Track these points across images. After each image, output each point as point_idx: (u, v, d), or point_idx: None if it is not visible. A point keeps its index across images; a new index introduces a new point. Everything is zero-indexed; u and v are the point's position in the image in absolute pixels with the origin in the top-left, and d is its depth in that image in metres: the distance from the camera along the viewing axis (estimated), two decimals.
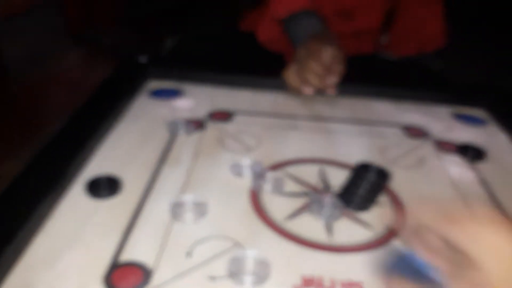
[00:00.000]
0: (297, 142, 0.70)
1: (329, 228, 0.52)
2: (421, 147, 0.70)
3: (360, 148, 0.69)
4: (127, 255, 0.47)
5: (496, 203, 0.58)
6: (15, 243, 0.44)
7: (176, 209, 0.53)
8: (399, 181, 0.61)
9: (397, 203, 0.57)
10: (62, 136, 0.63)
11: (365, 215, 0.55)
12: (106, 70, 0.83)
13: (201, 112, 0.77)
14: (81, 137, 0.62)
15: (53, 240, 0.48)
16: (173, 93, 0.82)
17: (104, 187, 0.56)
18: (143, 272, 0.45)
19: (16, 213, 0.47)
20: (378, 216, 0.55)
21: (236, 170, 0.61)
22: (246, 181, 0.60)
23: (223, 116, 0.76)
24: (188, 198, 0.54)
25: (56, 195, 0.53)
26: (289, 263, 0.47)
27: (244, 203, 0.56)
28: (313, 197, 0.56)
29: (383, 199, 0.58)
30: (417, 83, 0.90)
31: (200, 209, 0.54)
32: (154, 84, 0.85)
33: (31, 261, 0.45)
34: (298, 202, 0.56)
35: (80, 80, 1.14)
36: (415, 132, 0.75)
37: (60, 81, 1.16)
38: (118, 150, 0.64)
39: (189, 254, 0.47)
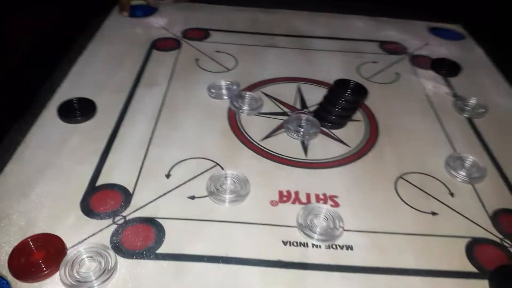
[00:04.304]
0: (275, 61, 0.65)
1: (305, 146, 0.50)
2: (397, 63, 0.67)
3: (337, 65, 0.65)
4: (105, 179, 0.44)
5: (467, 117, 0.57)
6: None
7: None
8: (375, 97, 0.58)
9: (372, 119, 0.55)
10: (30, 59, 0.57)
11: (341, 132, 0.53)
12: None
13: (176, 30, 0.71)
14: (50, 60, 0.57)
15: (26, 169, 0.44)
16: (146, 10, 0.75)
17: (78, 109, 0.51)
18: (122, 195, 0.42)
19: None
20: (353, 132, 0.53)
21: (214, 90, 0.57)
22: (224, 102, 0.56)
23: (199, 34, 0.70)
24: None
25: (28, 121, 0.49)
26: (266, 179, 0.45)
27: (222, 124, 0.53)
28: (290, 116, 0.54)
29: (358, 115, 0.55)
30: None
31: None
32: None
33: (4, 190, 0.42)
34: (276, 122, 0.54)
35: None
36: (392, 48, 0.71)
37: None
38: (91, 73, 0.59)
39: (168, 175, 0.45)
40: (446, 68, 0.65)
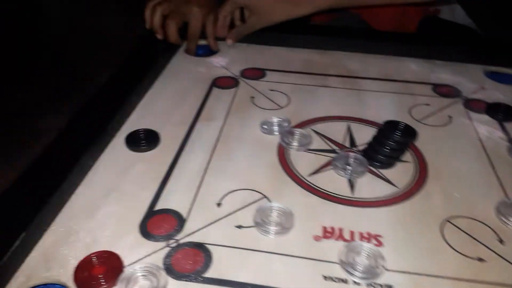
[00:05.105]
0: (326, 100, 0.68)
1: (352, 184, 0.51)
2: (450, 106, 0.67)
3: (389, 106, 0.66)
4: (163, 204, 0.48)
5: None
6: (60, 193, 0.46)
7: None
8: (425, 139, 0.58)
9: (421, 161, 0.55)
10: (103, 92, 0.64)
11: (389, 172, 0.53)
12: (143, 27, 0.82)
13: (234, 69, 0.75)
14: (122, 93, 0.63)
15: (94, 191, 0.49)
16: (208, 50, 0.81)
17: (143, 139, 0.56)
18: (177, 220, 0.46)
19: (61, 164, 0.49)
20: (401, 173, 0.53)
21: (266, 126, 0.60)
22: (275, 138, 0.59)
23: (255, 73, 0.74)
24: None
25: (98, 148, 0.54)
26: (311, 215, 0.47)
27: (272, 158, 0.55)
28: (338, 154, 0.55)
29: (408, 156, 0.56)
30: (449, 40, 0.84)
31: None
32: None
33: (74, 210, 0.47)
34: (324, 159, 0.55)
35: (120, 36, 1.14)
36: (445, 91, 0.71)
37: (101, 37, 1.16)
38: (156, 106, 0.65)
39: (219, 204, 0.48)
40: (502, 113, 0.64)
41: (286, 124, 0.60)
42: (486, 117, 0.64)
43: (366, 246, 0.43)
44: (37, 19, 1.27)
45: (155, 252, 0.42)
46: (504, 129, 0.62)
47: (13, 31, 1.11)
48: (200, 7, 0.75)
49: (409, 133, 0.53)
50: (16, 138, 0.64)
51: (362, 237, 0.44)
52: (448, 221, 0.46)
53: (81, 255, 0.41)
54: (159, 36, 0.77)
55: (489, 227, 0.46)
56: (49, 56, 0.98)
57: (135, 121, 0.61)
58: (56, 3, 1.36)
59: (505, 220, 0.46)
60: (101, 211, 0.47)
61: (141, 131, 0.58)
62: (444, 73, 0.76)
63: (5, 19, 1.17)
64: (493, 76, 0.75)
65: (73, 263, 0.40)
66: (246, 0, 0.78)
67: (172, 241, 0.43)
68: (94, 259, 0.40)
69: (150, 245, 0.43)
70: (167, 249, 0.42)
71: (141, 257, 0.42)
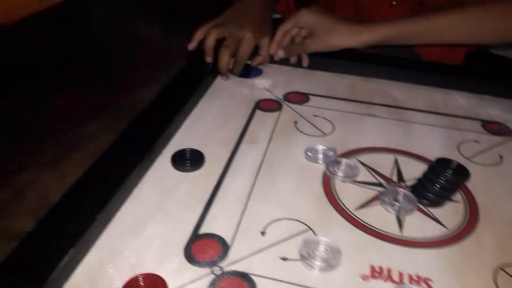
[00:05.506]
0: (372, 129, 0.67)
1: (400, 221, 0.50)
2: (500, 144, 0.65)
3: (437, 140, 0.65)
4: (207, 228, 0.47)
5: None
6: (106, 210, 0.46)
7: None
8: (476, 179, 0.57)
9: (471, 202, 0.54)
10: (151, 109, 0.65)
11: (439, 212, 0.52)
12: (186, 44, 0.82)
13: (278, 92, 0.75)
14: (168, 111, 0.63)
15: (139, 209, 0.49)
16: (252, 72, 0.82)
17: (189, 159, 0.57)
18: (221, 246, 0.45)
19: (108, 182, 0.49)
20: (451, 213, 0.52)
21: (311, 154, 0.60)
22: (319, 166, 0.58)
23: (299, 98, 0.74)
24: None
25: (145, 166, 0.55)
26: (358, 251, 0.46)
27: (316, 188, 0.54)
28: (386, 189, 0.54)
29: (458, 196, 0.54)
30: (497, 75, 0.82)
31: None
32: None
33: (119, 228, 0.47)
34: (371, 192, 0.54)
35: (163, 51, 1.16)
36: (494, 128, 0.69)
37: (144, 51, 1.18)
38: (201, 127, 0.65)
39: (263, 233, 0.47)
40: None
41: (331, 153, 0.60)
42: None
43: None
44: (86, 27, 1.31)
45: (199, 279, 0.42)
46: None
47: (61, 39, 1.15)
48: (253, 32, 0.76)
49: (462, 173, 0.51)
50: (62, 147, 0.65)
51: (411, 279, 0.43)
52: (502, 269, 0.45)
53: (126, 275, 0.41)
54: (209, 60, 0.77)
55: None
56: (96, 66, 1.01)
57: (180, 141, 0.61)
58: (105, 12, 1.40)
59: None
60: (146, 230, 0.47)
61: (187, 150, 0.58)
62: (493, 109, 0.74)
63: (54, 26, 1.21)
64: None
65: (118, 282, 0.40)
66: (310, 19, 0.76)
67: (216, 268, 0.43)
68: (140, 281, 0.40)
69: (194, 271, 0.42)
70: (211, 277, 0.42)
71: (186, 282, 0.41)
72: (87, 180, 0.49)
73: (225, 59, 0.75)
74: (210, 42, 0.75)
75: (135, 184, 0.52)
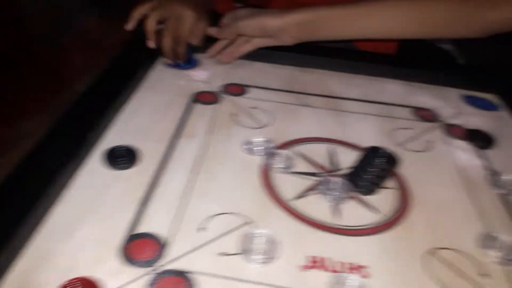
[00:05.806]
0: (309, 120, 0.68)
1: (336, 210, 0.51)
2: (429, 131, 0.68)
3: (371, 128, 0.67)
4: (143, 228, 0.46)
5: (501, 192, 0.57)
6: (35, 212, 0.44)
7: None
8: (407, 165, 0.59)
9: (404, 188, 0.56)
10: (81, 104, 0.62)
11: (374, 199, 0.54)
12: (124, 33, 0.79)
13: (216, 84, 0.75)
14: (99, 107, 0.61)
15: (71, 211, 0.47)
16: (189, 63, 0.80)
17: (122, 157, 0.54)
18: (158, 245, 0.44)
19: (37, 182, 0.46)
20: (386, 200, 0.54)
21: (248, 146, 0.60)
22: (257, 159, 0.58)
23: (237, 89, 0.74)
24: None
25: (76, 165, 0.52)
26: (296, 242, 0.46)
27: (255, 180, 0.55)
28: (321, 178, 0.55)
29: (392, 183, 0.57)
30: (428, 64, 0.86)
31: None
32: None
33: (51, 230, 0.45)
34: (307, 182, 0.55)
35: (100, 42, 1.11)
36: (424, 115, 0.72)
37: (80, 43, 1.13)
38: (135, 121, 0.63)
39: (203, 229, 0.47)
40: (480, 140, 0.66)
41: (269, 145, 0.60)
42: (464, 144, 0.66)
43: (353, 277, 0.43)
44: (15, 19, 1.22)
45: (136, 280, 0.40)
46: (483, 157, 0.63)
47: None
48: (194, 11, 0.74)
49: (391, 160, 0.53)
50: None
51: (348, 267, 0.44)
52: (432, 252, 0.47)
53: (59, 280, 0.39)
54: (151, 44, 0.74)
55: (472, 259, 0.47)
56: (27, 57, 0.94)
57: (113, 137, 0.59)
58: (35, 3, 1.31)
59: (487, 253, 0.47)
60: (80, 232, 0.45)
61: (120, 147, 0.56)
62: (423, 96, 0.78)
63: None
64: (470, 100, 0.77)
65: None
66: (246, 10, 0.76)
67: (153, 267, 0.42)
68: (73, 285, 0.38)
69: (131, 271, 0.41)
70: (148, 277, 0.41)
71: (123, 284, 0.40)
72: (10, 183, 0.46)
73: (168, 41, 0.73)
74: (151, 25, 0.72)
75: (65, 184, 0.50)
